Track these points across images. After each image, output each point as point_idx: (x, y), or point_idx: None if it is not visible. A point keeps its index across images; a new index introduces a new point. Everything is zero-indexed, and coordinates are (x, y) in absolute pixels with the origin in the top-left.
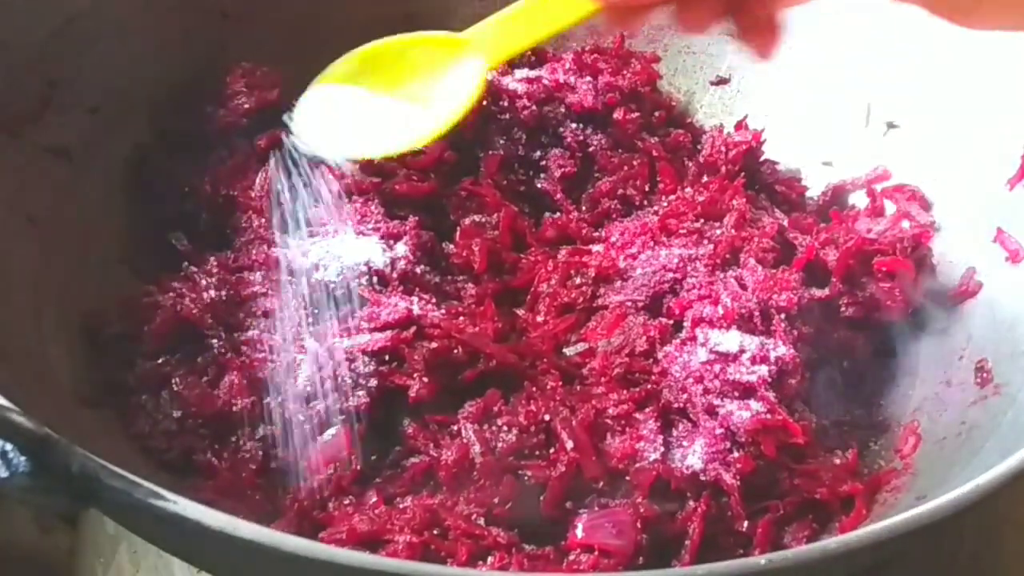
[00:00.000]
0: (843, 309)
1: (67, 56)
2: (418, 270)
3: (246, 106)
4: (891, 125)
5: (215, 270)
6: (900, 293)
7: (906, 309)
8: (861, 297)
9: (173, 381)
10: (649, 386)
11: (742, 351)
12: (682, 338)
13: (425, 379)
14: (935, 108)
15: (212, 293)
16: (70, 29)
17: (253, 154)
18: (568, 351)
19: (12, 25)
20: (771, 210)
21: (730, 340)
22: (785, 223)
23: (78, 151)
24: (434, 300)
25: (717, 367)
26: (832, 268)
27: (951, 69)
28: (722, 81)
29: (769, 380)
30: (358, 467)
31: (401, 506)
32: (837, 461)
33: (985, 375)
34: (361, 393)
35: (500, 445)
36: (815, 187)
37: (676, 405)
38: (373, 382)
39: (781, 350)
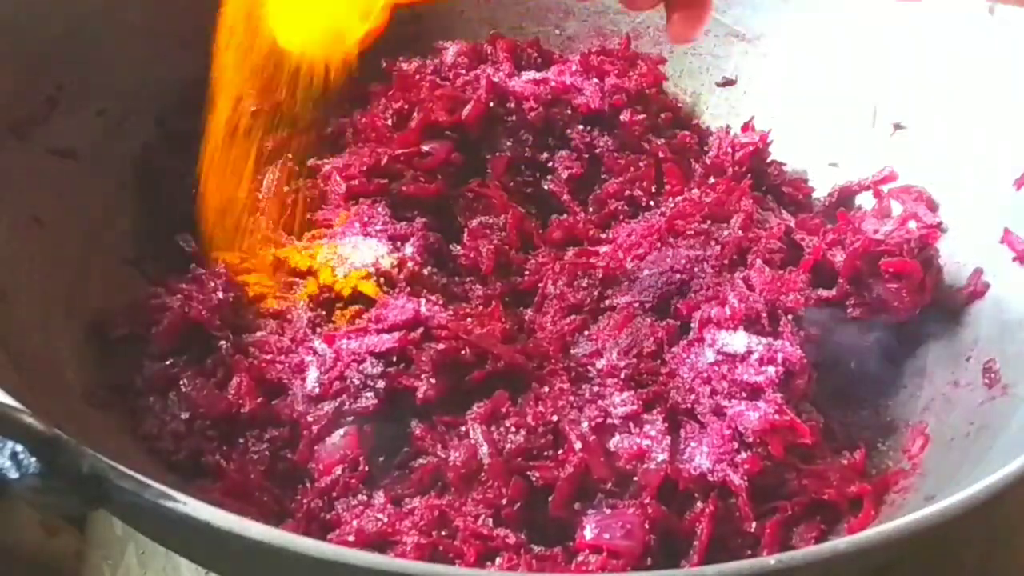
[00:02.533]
0: (850, 310)
1: (74, 58)
2: (425, 271)
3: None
4: (898, 126)
5: (222, 271)
6: (907, 294)
7: (913, 310)
8: (868, 298)
9: (181, 382)
10: (657, 387)
11: (749, 352)
12: (690, 339)
13: (433, 380)
14: (942, 109)
15: (220, 295)
16: (77, 31)
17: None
18: (576, 352)
19: (19, 27)
20: (778, 211)
21: (737, 341)
22: (792, 224)
23: (85, 153)
24: (441, 301)
25: (725, 368)
26: (839, 269)
27: (958, 69)
28: (728, 82)
29: (777, 381)
30: (366, 468)
31: (409, 507)
32: (845, 462)
33: (993, 376)
34: (369, 395)
35: (508, 446)
36: (822, 188)
37: (684, 406)
38: (381, 383)
39: (788, 351)
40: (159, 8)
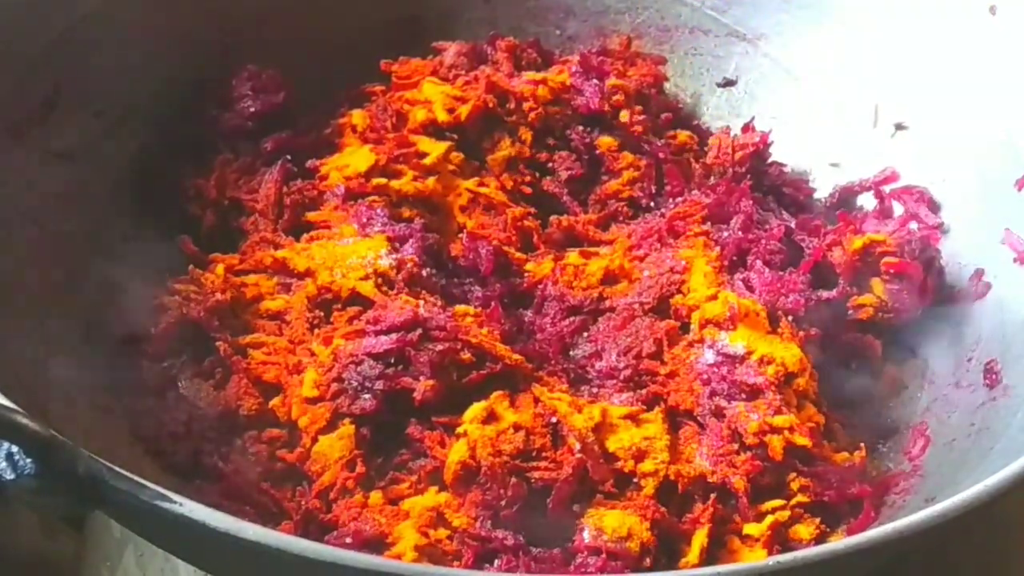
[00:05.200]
0: (851, 311)
1: (72, 60)
2: (424, 272)
3: (252, 109)
4: (899, 126)
5: (221, 273)
6: (908, 295)
7: (915, 311)
8: (869, 299)
9: (179, 383)
10: (656, 387)
11: (749, 353)
12: (689, 340)
13: (431, 381)
14: (943, 109)
15: (218, 296)
16: (75, 33)
17: (259, 157)
18: (575, 353)
19: (17, 29)
20: (778, 212)
21: (737, 342)
22: (792, 225)
23: (83, 154)
24: (440, 303)
25: (724, 369)
26: (840, 270)
27: (959, 69)
28: (729, 83)
29: (776, 382)
30: (363, 469)
31: (407, 508)
32: (845, 463)
33: (994, 376)
34: (367, 396)
35: (506, 447)
36: (823, 189)
37: (683, 407)
38: (379, 384)
39: (788, 351)
40: (157, 11)
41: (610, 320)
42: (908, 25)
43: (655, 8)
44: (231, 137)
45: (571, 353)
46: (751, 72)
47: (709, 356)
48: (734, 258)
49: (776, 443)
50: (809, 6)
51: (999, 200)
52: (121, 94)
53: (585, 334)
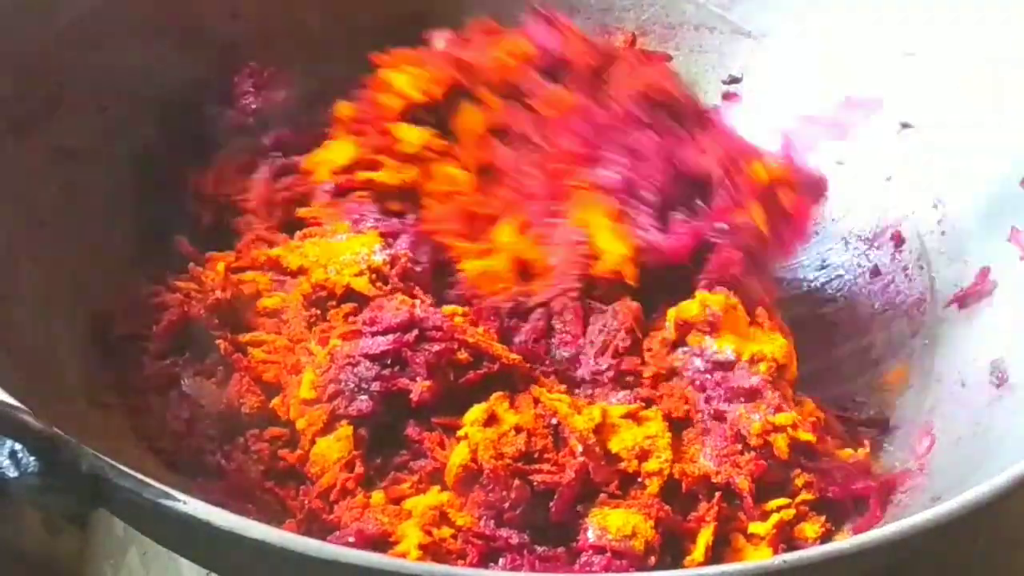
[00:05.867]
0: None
1: (75, 57)
2: (418, 268)
3: (253, 106)
4: (905, 124)
5: (221, 270)
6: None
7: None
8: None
9: (182, 381)
10: (647, 392)
11: (738, 356)
12: (664, 337)
13: (427, 382)
14: (949, 106)
15: (218, 293)
16: (78, 30)
17: (259, 154)
18: (556, 355)
19: (20, 26)
20: None
21: (725, 347)
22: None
23: (86, 152)
24: (432, 300)
25: (717, 375)
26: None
27: (966, 67)
28: (734, 80)
29: (771, 379)
30: (363, 470)
31: (409, 507)
32: (851, 462)
33: (1000, 375)
34: (364, 397)
35: (508, 449)
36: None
37: (675, 415)
38: (376, 386)
39: (774, 343)
40: (160, 7)
41: (562, 318)
42: (914, 22)
43: (660, 5)
44: (233, 134)
45: (553, 354)
46: (756, 70)
47: (698, 364)
48: (628, 198)
49: (781, 442)
50: (815, 4)
51: (1005, 198)
52: (125, 91)
53: (553, 340)
